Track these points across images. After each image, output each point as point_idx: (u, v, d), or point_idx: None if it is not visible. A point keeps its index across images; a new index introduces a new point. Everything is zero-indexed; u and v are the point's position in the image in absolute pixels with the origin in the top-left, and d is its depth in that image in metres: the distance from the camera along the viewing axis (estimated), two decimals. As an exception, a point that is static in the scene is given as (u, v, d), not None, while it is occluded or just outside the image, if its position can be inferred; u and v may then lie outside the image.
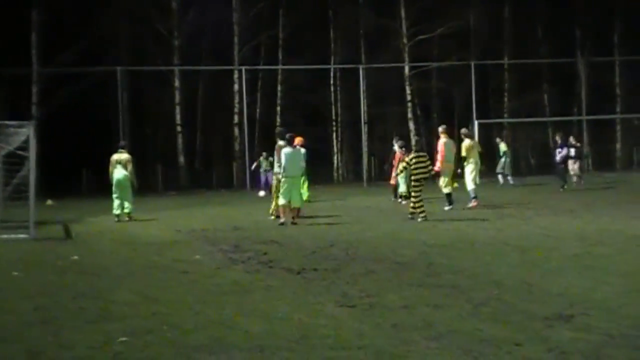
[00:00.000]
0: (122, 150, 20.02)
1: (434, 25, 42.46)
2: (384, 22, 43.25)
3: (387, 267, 10.39)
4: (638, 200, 21.01)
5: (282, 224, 17.01)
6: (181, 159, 40.89)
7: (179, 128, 40.94)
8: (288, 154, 17.79)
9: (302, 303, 8.09)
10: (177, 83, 40.66)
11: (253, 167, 31.95)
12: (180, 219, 20.12)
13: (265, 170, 29.96)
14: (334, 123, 46.39)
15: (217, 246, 13.54)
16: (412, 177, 17.45)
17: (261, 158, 30.77)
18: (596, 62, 46.03)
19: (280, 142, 18.97)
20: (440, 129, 20.48)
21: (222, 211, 22.57)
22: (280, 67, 43.65)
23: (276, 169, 19.02)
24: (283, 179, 17.68)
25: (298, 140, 25.15)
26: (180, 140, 40.98)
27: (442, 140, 19.90)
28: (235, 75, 41.10)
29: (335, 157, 46.28)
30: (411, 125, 43.36)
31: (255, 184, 32.41)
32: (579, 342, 6.08)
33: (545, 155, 46.87)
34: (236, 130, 41.53)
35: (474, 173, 20.37)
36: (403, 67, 43.36)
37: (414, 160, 17.30)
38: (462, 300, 7.91)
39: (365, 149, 40.30)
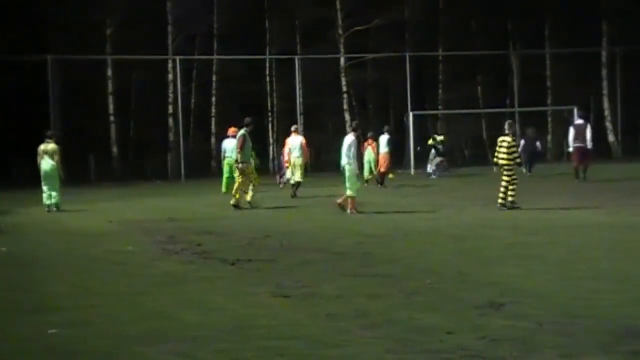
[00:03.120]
0: (50, 141, 19.65)
1: (370, 16, 42.62)
2: (320, 13, 43.24)
3: (323, 257, 10.41)
4: (569, 191, 21.42)
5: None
6: (115, 149, 40.35)
7: (112, 118, 40.38)
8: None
9: (237, 294, 8.07)
10: (109, 73, 40.07)
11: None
12: (114, 210, 19.85)
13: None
14: (270, 114, 46.27)
15: (151, 237, 13.41)
16: (498, 162, 16.77)
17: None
18: (528, 55, 46.81)
19: (242, 132, 19.11)
20: (292, 128, 23.41)
21: (157, 202, 22.35)
22: (215, 57, 43.32)
23: (236, 157, 18.94)
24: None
25: (232, 131, 25.13)
26: (113, 130, 40.43)
27: (292, 137, 22.80)
28: (170, 65, 40.69)
29: (272, 148, 46.17)
30: (347, 117, 43.47)
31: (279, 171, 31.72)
32: (510, 330, 6.18)
33: (479, 146, 47.56)
34: (171, 121, 41.14)
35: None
36: (339, 59, 43.44)
37: (498, 145, 16.73)
38: (396, 290, 7.96)
39: (301, 139, 40.25)
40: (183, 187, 30.40)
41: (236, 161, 19.08)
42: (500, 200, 16.47)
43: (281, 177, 29.21)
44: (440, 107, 46.04)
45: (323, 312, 7.05)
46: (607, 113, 45.75)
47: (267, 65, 45.32)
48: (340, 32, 43.32)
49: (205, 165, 42.20)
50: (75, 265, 10.56)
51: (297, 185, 22.27)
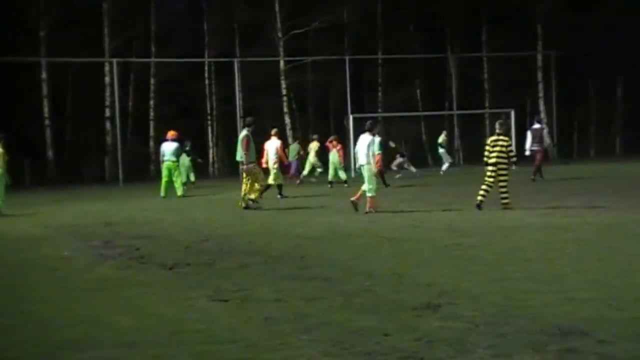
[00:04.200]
0: (-4, 145, 19.40)
1: (308, 19, 42.71)
2: (258, 16, 43.20)
3: (261, 260, 10.39)
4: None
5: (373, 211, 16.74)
6: (50, 153, 39.71)
7: (47, 121, 39.73)
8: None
9: (174, 298, 8.00)
10: (44, 75, 39.44)
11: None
12: (50, 214, 19.55)
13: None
14: (209, 116, 46.06)
15: (87, 242, 13.23)
16: (489, 162, 16.64)
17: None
18: (465, 58, 47.42)
19: (244, 132, 18.85)
20: (272, 131, 23.23)
21: (94, 206, 22.04)
22: (153, 59, 42.98)
23: (239, 157, 18.76)
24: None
25: (170, 134, 24.93)
26: (48, 133, 39.78)
27: (270, 140, 22.69)
28: (107, 68, 40.20)
29: (211, 151, 45.96)
30: (287, 119, 43.52)
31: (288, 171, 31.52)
32: (445, 331, 6.24)
33: (418, 148, 48.01)
34: (108, 124, 40.66)
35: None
36: (278, 61, 43.45)
37: (492, 144, 16.59)
38: (334, 293, 7.98)
39: (241, 142, 40.13)
40: (121, 191, 30.05)
41: (241, 163, 18.80)
42: (505, 201, 16.47)
43: (293, 175, 29.75)
44: (379, 110, 46.37)
45: (260, 315, 7.04)
46: (542, 115, 46.61)
47: (206, 67, 45.12)
48: (279, 34, 43.33)
49: (144, 169, 41.82)
50: (7, 271, 10.37)
51: (279, 187, 22.27)
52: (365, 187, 17.02)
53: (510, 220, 14.23)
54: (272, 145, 22.57)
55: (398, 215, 16.25)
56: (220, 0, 44.71)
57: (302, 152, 31.39)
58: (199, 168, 32.69)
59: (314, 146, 30.52)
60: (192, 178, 29.39)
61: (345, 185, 26.67)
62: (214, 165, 45.97)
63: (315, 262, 10.11)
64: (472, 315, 6.73)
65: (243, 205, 18.72)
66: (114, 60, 38.53)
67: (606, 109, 51.92)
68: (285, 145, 26.80)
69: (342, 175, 27.36)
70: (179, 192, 24.16)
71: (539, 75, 47.83)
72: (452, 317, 6.69)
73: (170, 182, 24.41)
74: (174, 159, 24.45)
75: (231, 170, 43.77)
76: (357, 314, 6.97)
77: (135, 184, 33.72)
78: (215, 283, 8.77)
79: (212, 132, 46.16)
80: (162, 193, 24.23)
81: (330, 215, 16.49)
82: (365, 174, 17.10)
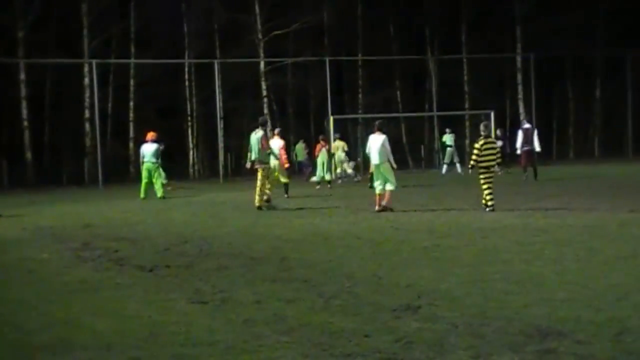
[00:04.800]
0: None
1: (288, 20, 42.71)
2: (238, 17, 43.15)
3: (241, 262, 10.36)
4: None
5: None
6: (28, 154, 39.41)
7: (25, 123, 39.44)
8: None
9: (153, 300, 7.96)
10: (22, 76, 39.15)
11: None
12: (28, 216, 19.39)
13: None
14: (189, 118, 45.92)
15: (65, 244, 13.14)
16: (480, 165, 16.54)
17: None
18: (445, 60, 47.57)
19: (260, 131, 18.87)
20: (275, 131, 23.08)
21: (72, 208, 21.90)
22: (132, 60, 42.78)
23: (260, 158, 18.86)
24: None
25: (150, 135, 24.82)
26: (27, 135, 39.49)
27: (272, 140, 21.91)
28: (86, 69, 39.97)
29: (191, 153, 45.83)
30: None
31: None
32: (425, 332, 6.24)
33: (398, 150, 48.11)
34: (87, 125, 40.43)
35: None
36: (258, 62, 43.40)
37: (484, 147, 16.52)
38: (313, 294, 7.97)
39: (221, 144, 40.09)
40: (100, 193, 29.90)
41: (260, 162, 18.73)
42: (491, 203, 16.34)
43: (309, 173, 29.82)
44: (359, 111, 46.41)
45: (240, 317, 7.01)
46: (522, 117, 46.76)
47: (186, 68, 45.00)
48: (260, 35, 43.29)
49: (124, 171, 41.66)
50: (-15, 274, 10.28)
51: (285, 186, 22.61)
52: (388, 185, 17.10)
53: (489, 222, 14.27)
54: (275, 145, 22.47)
55: (377, 216, 16.26)
56: (201, 1, 44.63)
57: (307, 150, 31.69)
58: (179, 170, 32.59)
59: (340, 145, 30.56)
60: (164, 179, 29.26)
61: (329, 186, 26.79)
62: (194, 167, 45.83)
63: (295, 263, 10.10)
64: (452, 316, 6.74)
65: (257, 205, 18.70)
66: (93, 61, 38.29)
67: (585, 111, 52.24)
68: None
69: (327, 176, 27.52)
70: (159, 193, 24.06)
71: (519, 77, 48.04)
72: (432, 319, 6.69)
73: (150, 184, 24.31)
74: (154, 160, 24.36)
75: (211, 172, 43.74)
76: (336, 315, 6.96)
77: (115, 185, 33.57)
78: (194, 285, 8.73)
79: (192, 134, 46.02)
80: (142, 195, 24.12)
81: (310, 217, 16.48)
82: (385, 171, 17.18)
